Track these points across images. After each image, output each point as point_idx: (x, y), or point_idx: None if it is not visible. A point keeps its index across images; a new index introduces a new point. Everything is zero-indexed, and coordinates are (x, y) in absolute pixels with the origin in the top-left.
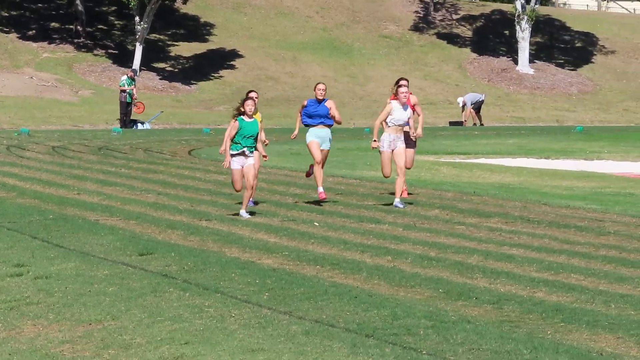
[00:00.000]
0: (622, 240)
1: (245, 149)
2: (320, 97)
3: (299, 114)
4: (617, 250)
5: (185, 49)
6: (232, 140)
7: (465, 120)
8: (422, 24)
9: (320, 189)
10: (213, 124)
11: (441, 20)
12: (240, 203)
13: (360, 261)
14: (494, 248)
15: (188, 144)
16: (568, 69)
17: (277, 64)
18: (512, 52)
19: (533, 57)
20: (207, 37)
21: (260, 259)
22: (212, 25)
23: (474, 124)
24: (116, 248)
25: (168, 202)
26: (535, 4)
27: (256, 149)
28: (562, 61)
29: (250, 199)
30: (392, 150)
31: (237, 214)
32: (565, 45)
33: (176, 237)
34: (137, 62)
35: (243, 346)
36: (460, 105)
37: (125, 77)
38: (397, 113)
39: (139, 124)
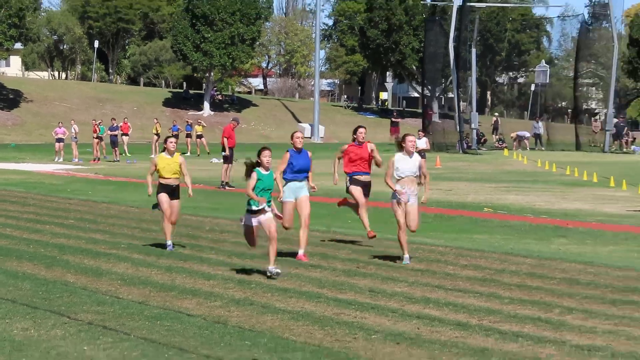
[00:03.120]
0: (39, 209)
1: (265, 205)
2: (299, 146)
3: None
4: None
5: None
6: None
7: None
8: None
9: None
10: None
11: None
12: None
13: None
14: None
15: None
16: (6, 111)
17: None
18: None
19: None
20: None
21: None
22: None
23: None
24: None
25: None
26: None
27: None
28: (1, 106)
29: None
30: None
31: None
32: (2, 97)
33: None
34: None
35: None
36: None
37: None
38: (402, 163)
39: None
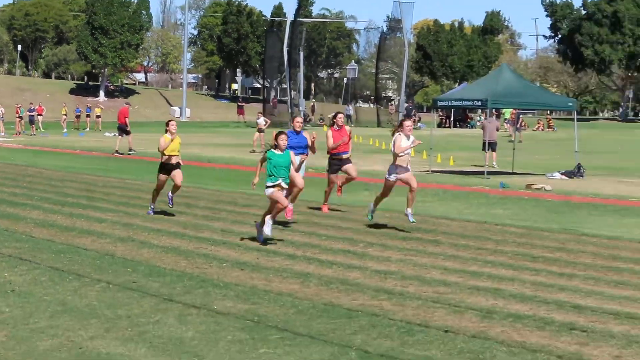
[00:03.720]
0: None
1: (281, 180)
2: (298, 130)
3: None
4: None
5: None
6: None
7: None
8: None
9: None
10: None
11: None
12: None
13: None
14: None
15: None
16: None
17: None
18: None
19: None
20: None
21: None
22: None
23: None
24: None
25: None
26: None
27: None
28: None
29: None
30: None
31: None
32: None
33: None
34: None
35: None
36: None
37: None
38: (404, 143)
39: None
